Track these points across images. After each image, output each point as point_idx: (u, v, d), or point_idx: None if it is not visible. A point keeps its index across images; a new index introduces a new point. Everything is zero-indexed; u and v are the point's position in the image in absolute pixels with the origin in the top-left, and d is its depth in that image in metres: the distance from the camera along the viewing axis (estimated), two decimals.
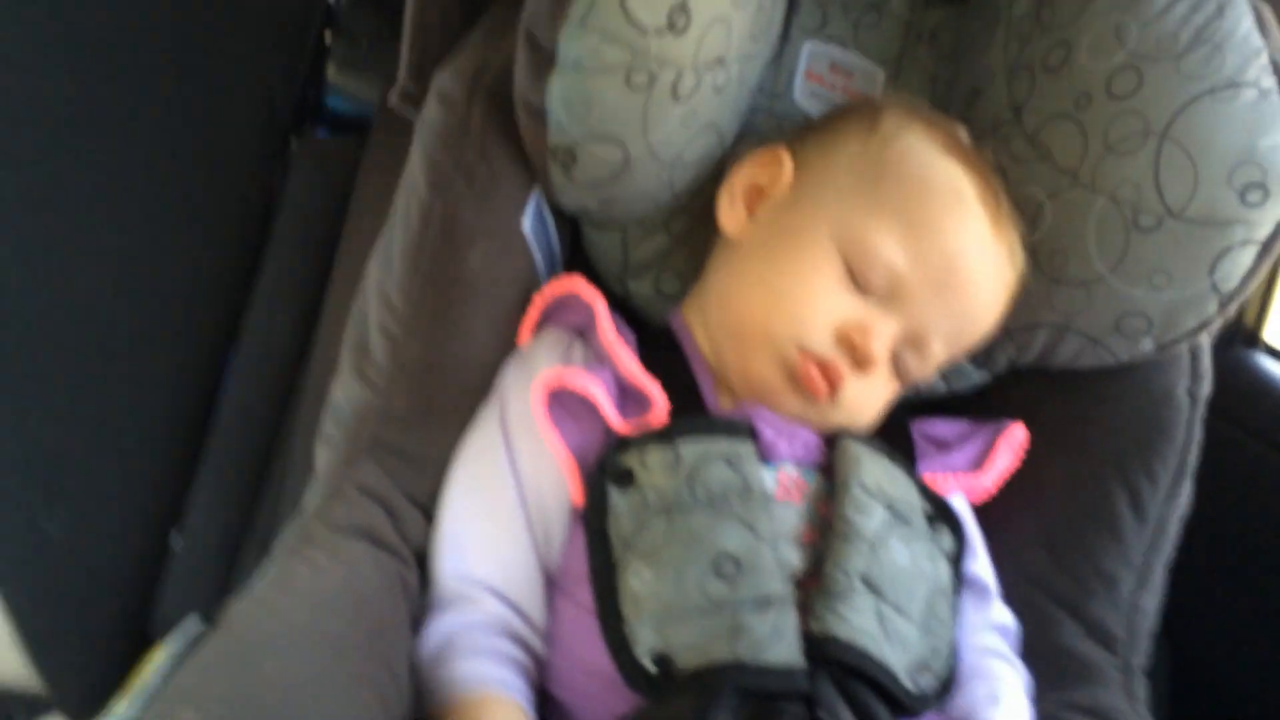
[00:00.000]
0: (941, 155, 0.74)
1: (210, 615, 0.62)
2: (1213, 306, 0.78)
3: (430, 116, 0.77)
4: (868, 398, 0.75)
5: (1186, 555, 0.83)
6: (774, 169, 0.78)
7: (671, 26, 0.68)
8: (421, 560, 0.71)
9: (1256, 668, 1.05)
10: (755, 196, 0.78)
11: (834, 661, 0.64)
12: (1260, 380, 1.07)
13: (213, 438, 1.03)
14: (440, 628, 0.68)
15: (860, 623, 0.65)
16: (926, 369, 0.76)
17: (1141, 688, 0.81)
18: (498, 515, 0.70)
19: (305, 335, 1.02)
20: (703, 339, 0.78)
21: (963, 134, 0.79)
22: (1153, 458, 0.82)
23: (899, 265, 0.72)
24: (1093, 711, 0.76)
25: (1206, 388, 0.84)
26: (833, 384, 0.72)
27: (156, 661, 0.55)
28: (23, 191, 1.00)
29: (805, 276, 0.73)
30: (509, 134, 0.75)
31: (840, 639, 0.64)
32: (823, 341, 0.72)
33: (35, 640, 0.94)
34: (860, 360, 0.71)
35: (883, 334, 0.72)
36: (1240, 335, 1.09)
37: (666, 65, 0.70)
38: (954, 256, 0.72)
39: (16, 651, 0.94)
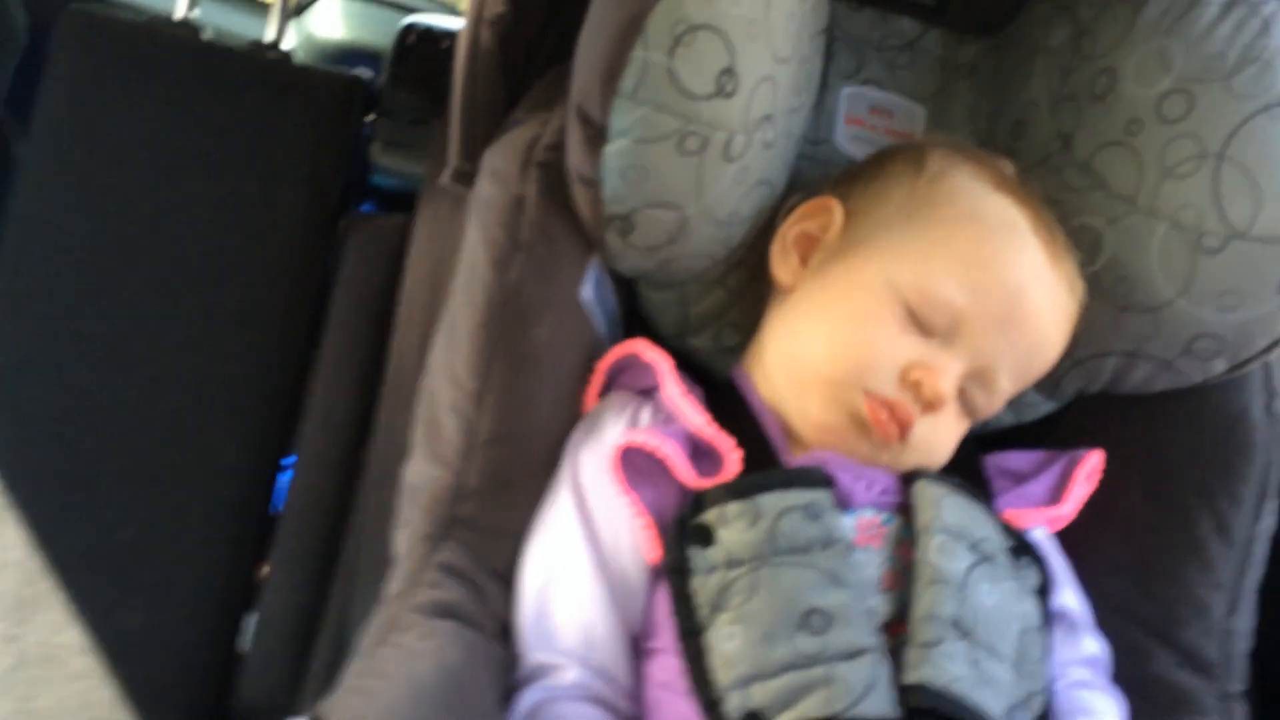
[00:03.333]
0: (991, 190, 0.75)
1: (293, 704, 0.62)
2: None
3: (485, 194, 0.78)
4: (939, 437, 0.75)
5: (1268, 572, 0.82)
6: (824, 217, 0.78)
7: (720, 91, 0.69)
8: (507, 632, 0.71)
9: None
10: (807, 246, 0.78)
11: (929, 711, 0.63)
12: None
13: (281, 520, 1.04)
14: (527, 700, 0.67)
15: (953, 669, 0.65)
16: (994, 404, 0.76)
17: (1241, 713, 0.79)
18: (577, 582, 0.70)
19: (366, 411, 1.03)
20: (766, 390, 0.78)
21: (1009, 168, 0.79)
22: (1234, 479, 0.81)
23: (959, 303, 0.72)
24: None
25: None
26: (903, 426, 0.72)
27: None
28: (81, 295, 1.02)
29: (865, 322, 0.73)
30: (564, 206, 0.76)
31: (934, 687, 0.64)
32: (888, 384, 0.72)
33: None
34: (928, 400, 0.71)
35: (949, 373, 0.72)
36: None
37: (718, 129, 0.70)
38: (1013, 290, 0.72)
39: None
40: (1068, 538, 0.81)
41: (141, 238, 1.04)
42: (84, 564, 0.98)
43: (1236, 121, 0.73)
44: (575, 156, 0.73)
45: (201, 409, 1.02)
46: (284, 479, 1.07)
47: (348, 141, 1.11)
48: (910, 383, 0.72)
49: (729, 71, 0.68)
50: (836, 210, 0.78)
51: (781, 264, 0.79)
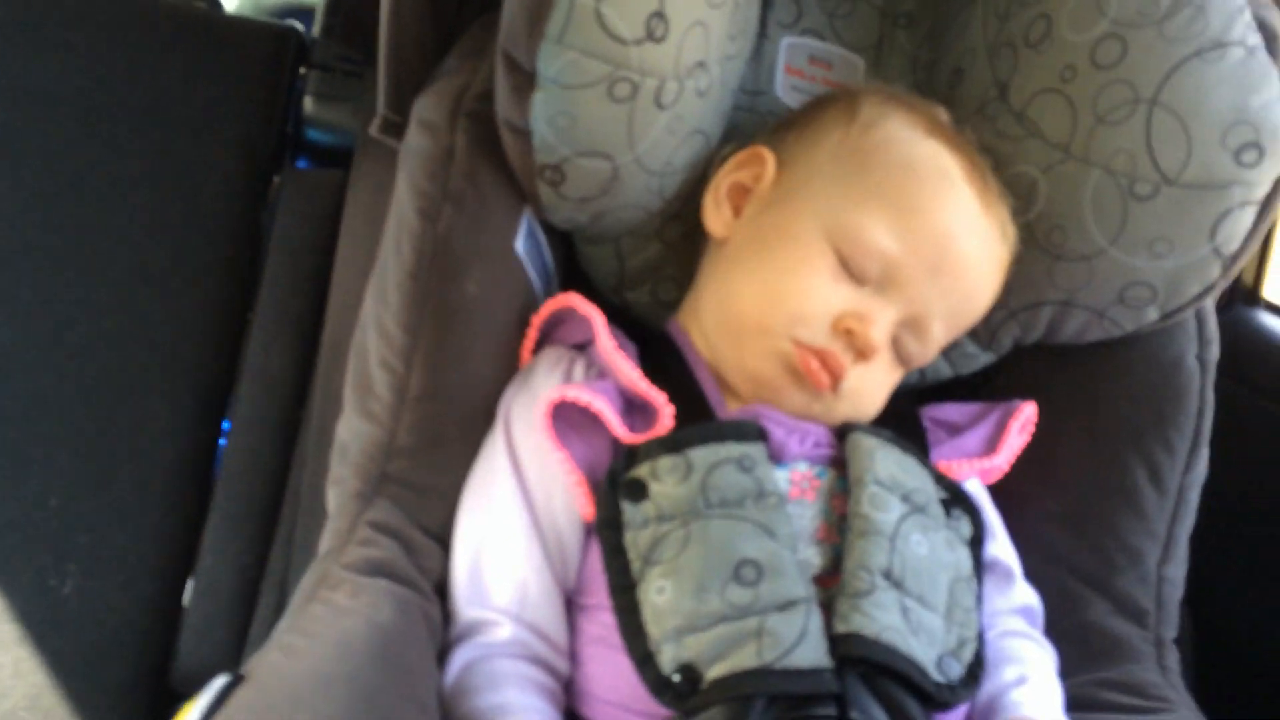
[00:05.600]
0: (924, 137, 0.74)
1: (236, 667, 0.61)
2: (1216, 270, 0.77)
3: (413, 144, 0.76)
4: (871, 386, 0.75)
5: (1199, 519, 0.83)
6: (756, 167, 0.77)
7: (650, 35, 0.68)
8: (442, 592, 0.71)
9: (1277, 626, 1.04)
10: (740, 196, 0.78)
11: (861, 659, 0.63)
12: (1262, 338, 1.06)
13: (220, 483, 1.02)
14: (460, 658, 0.67)
15: (885, 618, 0.65)
16: (928, 352, 0.76)
17: (1174, 660, 0.80)
18: (511, 539, 0.70)
19: (304, 371, 1.01)
20: (701, 343, 0.78)
21: (943, 115, 0.78)
22: (1168, 428, 0.82)
23: (891, 250, 0.71)
24: (1128, 688, 0.75)
25: (1215, 352, 0.83)
26: (835, 375, 0.71)
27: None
28: (7, 254, 1.00)
29: (797, 270, 0.72)
30: (494, 156, 0.75)
31: (866, 636, 0.64)
32: (820, 333, 0.71)
33: (55, 700, 0.94)
34: (860, 348, 0.71)
35: (881, 320, 0.72)
36: (1239, 294, 1.08)
37: (648, 74, 0.69)
38: (945, 236, 0.72)
39: (37, 713, 0.93)
40: (1005, 488, 0.81)
41: (67, 194, 1.01)
42: (13, 531, 0.95)
43: (1169, 66, 0.73)
44: (504, 104, 0.71)
45: (131, 371, 1.00)
46: (224, 443, 1.05)
47: (280, 95, 1.09)
48: (842, 331, 0.71)
49: (659, 15, 0.67)
50: (769, 160, 0.77)
51: (714, 215, 0.78)
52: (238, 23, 1.17)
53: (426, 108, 0.77)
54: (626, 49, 0.68)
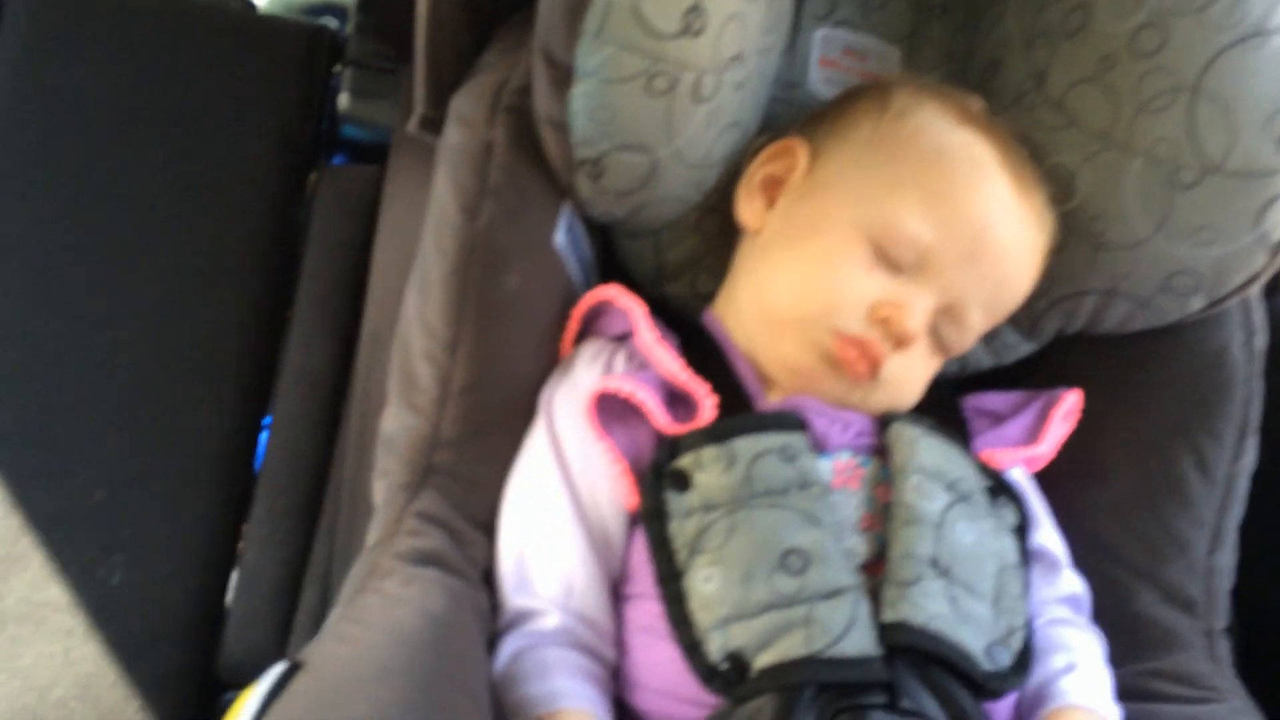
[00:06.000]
0: (956, 125, 0.74)
1: (280, 658, 0.62)
2: (1261, 259, 0.77)
3: (452, 141, 0.77)
4: (910, 374, 0.75)
5: (1249, 508, 0.82)
6: (789, 158, 0.77)
7: (687, 30, 0.68)
8: (489, 581, 0.71)
9: None
10: (773, 187, 0.78)
11: (909, 648, 0.64)
12: None
13: (262, 477, 1.04)
14: (509, 647, 0.68)
15: (932, 606, 0.65)
16: (966, 340, 0.76)
17: (1225, 649, 0.80)
18: (556, 529, 0.70)
19: (343, 365, 1.02)
20: (739, 335, 0.78)
21: (976, 104, 0.78)
22: (1215, 416, 0.81)
23: (925, 238, 0.71)
24: (1178, 678, 0.75)
25: (1262, 340, 0.83)
26: (873, 363, 0.71)
27: (245, 707, 0.55)
28: (46, 256, 1.01)
29: (832, 260, 0.72)
30: (533, 151, 0.75)
31: (913, 624, 0.64)
32: (857, 322, 0.71)
33: (103, 689, 0.95)
34: (898, 336, 0.71)
35: (917, 308, 0.72)
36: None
37: (686, 68, 0.69)
38: (980, 222, 0.72)
39: (85, 702, 0.95)
40: (1050, 477, 0.81)
41: (106, 196, 1.03)
42: (61, 523, 0.97)
43: (1210, 54, 0.72)
44: (542, 99, 0.72)
45: (173, 368, 1.01)
46: (265, 438, 1.06)
47: (315, 93, 1.10)
48: (879, 320, 0.71)
49: (696, 9, 0.67)
50: (801, 151, 0.77)
51: (747, 207, 0.78)
52: (271, 22, 1.18)
53: (464, 104, 0.77)
54: (664, 43, 0.68)
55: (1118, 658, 0.75)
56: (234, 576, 1.03)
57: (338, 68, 1.12)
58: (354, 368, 1.00)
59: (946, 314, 0.74)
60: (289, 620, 1.00)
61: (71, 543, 0.97)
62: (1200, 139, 0.73)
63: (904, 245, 0.71)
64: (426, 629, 0.63)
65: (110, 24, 1.06)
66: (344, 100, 1.11)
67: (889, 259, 0.72)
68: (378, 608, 0.64)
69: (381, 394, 0.77)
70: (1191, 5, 0.73)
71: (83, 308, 1.01)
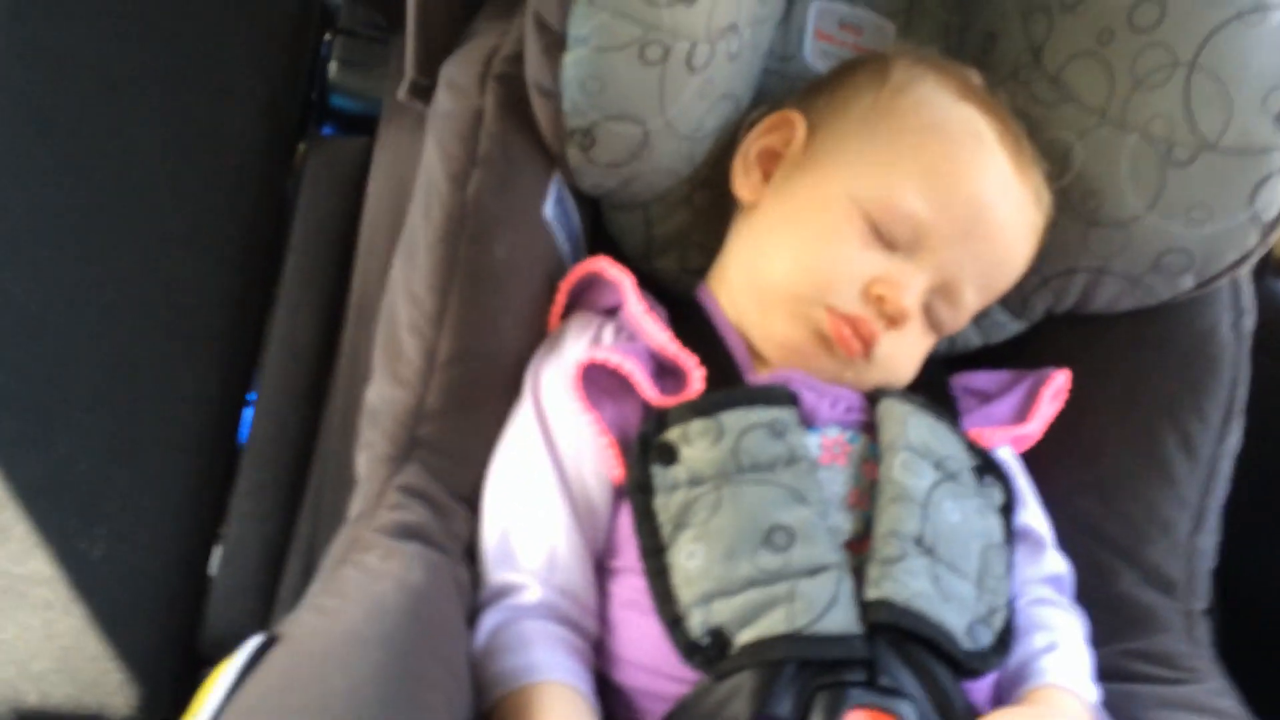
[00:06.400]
0: (956, 101, 0.73)
1: (268, 627, 0.61)
2: (1254, 238, 0.77)
3: (442, 108, 0.76)
4: (903, 352, 0.74)
5: (1232, 490, 0.82)
6: (786, 131, 0.77)
7: None
8: (472, 555, 0.71)
9: None
10: (769, 161, 0.77)
11: (891, 626, 0.63)
12: None
13: (246, 449, 1.03)
14: (490, 620, 0.67)
15: (915, 585, 0.65)
16: (960, 318, 0.75)
17: (1204, 631, 0.80)
18: (540, 502, 0.70)
19: (330, 337, 1.01)
20: (730, 309, 0.77)
21: (976, 78, 0.77)
22: (1201, 397, 0.81)
23: (922, 215, 0.71)
24: (1156, 658, 0.75)
25: (1250, 322, 0.83)
26: (866, 341, 0.71)
27: (221, 679, 0.54)
28: (29, 220, 1.00)
29: (827, 236, 0.72)
30: (524, 120, 0.74)
31: (896, 602, 0.64)
32: (851, 299, 0.71)
33: (83, 662, 0.95)
34: (892, 315, 0.71)
35: (912, 286, 0.71)
36: (1270, 265, 1.07)
37: (680, 37, 0.68)
38: (977, 200, 0.71)
39: (65, 675, 0.94)
40: (1036, 457, 0.81)
41: (89, 161, 1.01)
42: (43, 494, 0.96)
43: (1208, 29, 0.72)
44: (534, 67, 0.71)
45: (157, 337, 1.00)
46: (250, 411, 1.06)
47: (304, 61, 1.08)
48: (873, 297, 0.71)
49: None
50: (799, 124, 0.76)
51: (743, 180, 0.78)
52: None
53: (455, 71, 0.76)
54: (658, 10, 0.67)
55: (1098, 637, 0.75)
56: (217, 550, 1.02)
57: (328, 36, 1.11)
58: (341, 340, 0.99)
59: (941, 292, 0.73)
60: (272, 594, 0.99)
61: (53, 515, 0.96)
62: (1196, 115, 0.73)
63: (901, 222, 0.71)
64: (405, 602, 0.62)
65: None
66: (334, 69, 1.09)
67: (885, 236, 0.71)
68: (357, 581, 0.64)
69: (368, 367, 0.77)
70: None
71: (66, 276, 1.00)
